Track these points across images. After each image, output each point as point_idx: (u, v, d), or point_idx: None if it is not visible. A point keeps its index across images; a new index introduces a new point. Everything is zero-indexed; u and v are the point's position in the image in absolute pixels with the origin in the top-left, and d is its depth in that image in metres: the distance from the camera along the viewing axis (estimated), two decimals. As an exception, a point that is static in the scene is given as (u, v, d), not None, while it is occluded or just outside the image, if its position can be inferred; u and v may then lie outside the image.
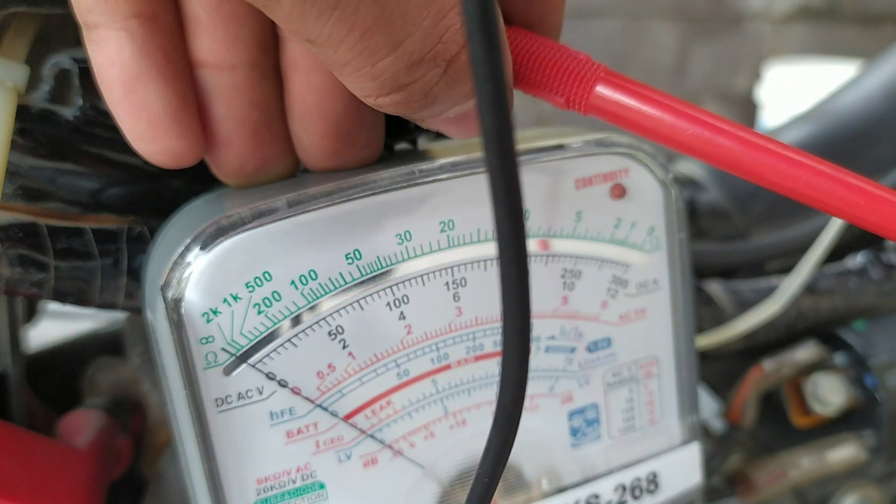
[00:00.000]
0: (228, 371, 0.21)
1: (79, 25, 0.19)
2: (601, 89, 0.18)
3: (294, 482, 0.22)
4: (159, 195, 0.25)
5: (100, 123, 0.23)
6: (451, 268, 0.23)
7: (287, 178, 0.23)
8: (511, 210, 0.14)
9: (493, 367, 0.24)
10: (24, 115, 0.22)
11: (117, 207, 0.25)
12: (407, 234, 0.22)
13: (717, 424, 0.39)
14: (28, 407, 0.30)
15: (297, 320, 0.21)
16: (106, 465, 0.29)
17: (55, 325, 0.36)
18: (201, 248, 0.20)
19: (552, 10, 0.19)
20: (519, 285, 0.15)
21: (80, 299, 0.24)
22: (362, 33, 0.15)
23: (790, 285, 0.37)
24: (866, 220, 0.17)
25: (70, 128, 0.23)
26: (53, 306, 0.30)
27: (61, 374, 0.34)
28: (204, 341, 0.20)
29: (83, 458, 0.27)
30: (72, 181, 0.24)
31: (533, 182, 0.23)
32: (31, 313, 0.33)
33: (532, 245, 0.24)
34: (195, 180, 0.25)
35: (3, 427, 0.26)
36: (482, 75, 0.13)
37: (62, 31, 0.22)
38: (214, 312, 0.20)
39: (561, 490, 0.26)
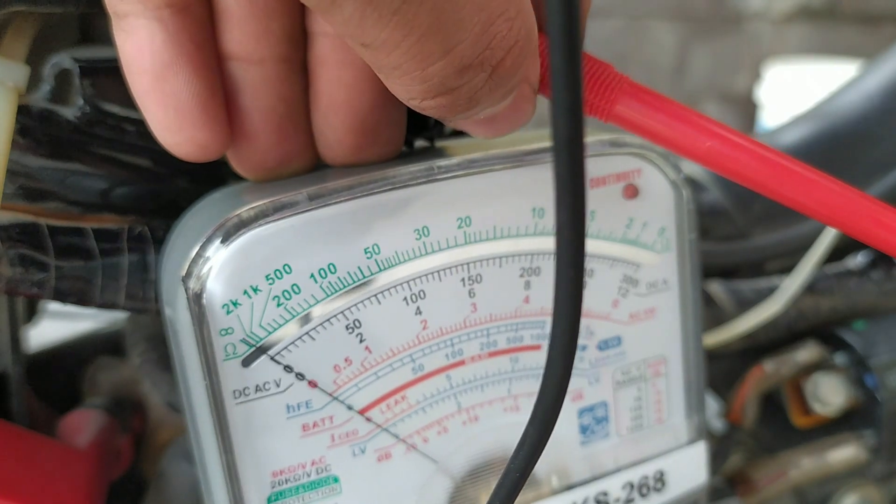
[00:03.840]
0: (247, 363, 0.21)
1: (108, 15, 0.19)
2: (624, 100, 0.19)
3: (309, 475, 0.23)
4: (160, 195, 0.25)
5: (101, 123, 0.23)
6: (467, 264, 0.23)
7: (306, 173, 0.23)
8: (575, 216, 0.15)
9: (506, 364, 0.25)
10: (24, 115, 0.22)
11: (118, 207, 0.25)
12: (425, 230, 0.22)
13: (718, 424, 0.39)
14: (28, 407, 0.30)
15: (315, 313, 0.21)
16: (106, 465, 0.29)
17: (56, 325, 0.36)
18: (223, 241, 0.20)
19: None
20: (574, 293, 0.16)
21: (81, 299, 0.25)
22: (418, 38, 0.16)
23: (790, 285, 0.37)
24: (885, 241, 0.18)
25: (71, 127, 0.23)
26: (54, 306, 0.30)
27: (62, 374, 0.34)
28: (223, 332, 0.21)
29: (83, 458, 0.27)
30: (72, 181, 0.24)
31: (548, 180, 0.23)
32: (32, 313, 0.33)
33: (546, 243, 0.24)
34: (197, 181, 0.26)
35: (4, 427, 0.26)
36: (562, 84, 0.14)
37: (62, 31, 0.22)
38: (234, 304, 0.21)
39: (570, 487, 0.26)
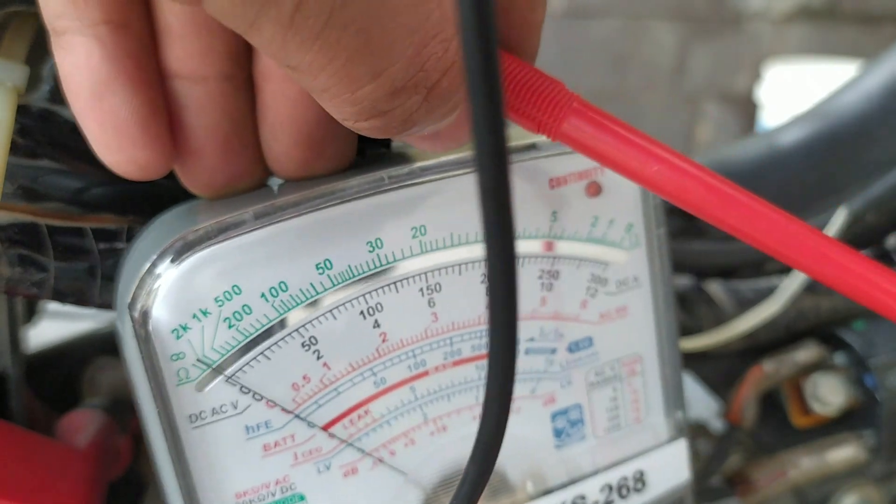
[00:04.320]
0: (201, 387, 0.20)
1: (46, 31, 0.18)
2: (571, 119, 0.18)
3: (273, 495, 0.22)
4: (159, 195, 0.25)
5: (99, 124, 0.23)
6: (425, 273, 0.22)
7: (258, 188, 0.22)
8: (502, 226, 0.14)
9: (472, 372, 0.24)
10: (24, 115, 0.22)
11: (117, 207, 0.25)
12: (378, 242, 0.21)
13: (717, 424, 0.39)
14: (28, 407, 0.30)
15: (268, 333, 0.21)
16: (105, 465, 0.29)
17: (55, 325, 0.36)
18: (170, 263, 0.20)
19: (530, 33, 0.19)
20: (507, 303, 0.15)
21: (80, 299, 0.24)
22: (344, 62, 0.15)
23: (790, 285, 0.37)
24: (829, 275, 0.18)
25: (70, 128, 0.23)
26: (53, 306, 0.30)
27: (61, 374, 0.33)
28: (175, 357, 0.20)
29: (83, 458, 0.27)
30: (72, 181, 0.24)
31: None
32: (31, 313, 0.33)
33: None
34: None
35: (3, 427, 0.26)
36: (478, 98, 0.13)
37: (61, 31, 0.22)
38: (184, 328, 0.20)
39: (546, 492, 0.26)
